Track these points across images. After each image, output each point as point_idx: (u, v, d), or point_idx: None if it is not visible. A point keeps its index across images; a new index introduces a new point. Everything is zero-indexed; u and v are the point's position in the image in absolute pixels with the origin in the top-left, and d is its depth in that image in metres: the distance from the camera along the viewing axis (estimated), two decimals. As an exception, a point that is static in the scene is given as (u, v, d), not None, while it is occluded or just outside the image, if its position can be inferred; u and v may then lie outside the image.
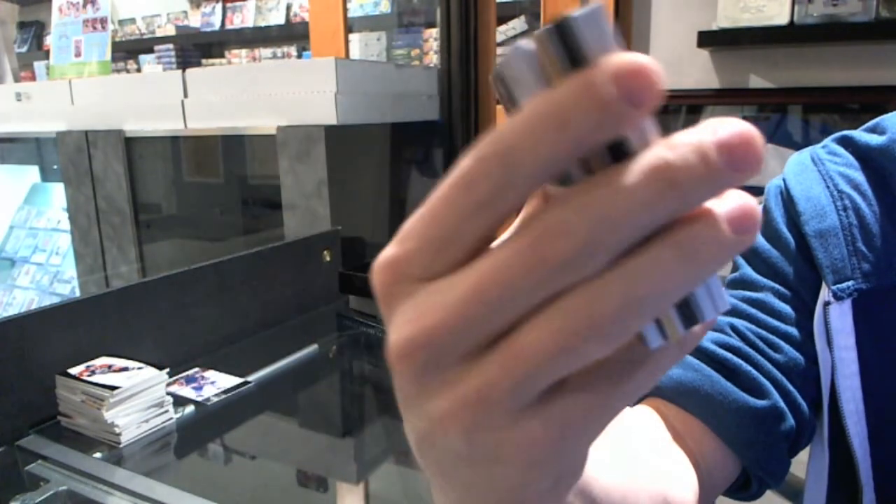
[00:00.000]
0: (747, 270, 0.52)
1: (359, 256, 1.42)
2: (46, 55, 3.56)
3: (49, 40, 3.91)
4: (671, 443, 0.44)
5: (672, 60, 1.71)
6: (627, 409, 0.26)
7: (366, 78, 1.43)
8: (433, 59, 2.88)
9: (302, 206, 1.36)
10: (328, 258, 1.30)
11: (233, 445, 0.83)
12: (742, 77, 1.65)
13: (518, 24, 2.62)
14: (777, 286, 0.50)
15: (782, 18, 1.47)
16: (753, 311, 0.49)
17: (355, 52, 2.95)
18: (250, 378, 0.96)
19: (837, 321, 0.44)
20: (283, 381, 0.99)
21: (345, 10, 1.84)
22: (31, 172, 2.17)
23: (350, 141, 1.38)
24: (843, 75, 1.54)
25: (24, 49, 4.16)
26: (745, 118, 1.64)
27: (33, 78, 4.06)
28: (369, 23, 3.07)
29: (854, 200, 0.47)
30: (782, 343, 0.47)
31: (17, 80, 2.95)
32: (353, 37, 2.96)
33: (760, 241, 0.52)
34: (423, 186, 1.70)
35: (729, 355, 0.46)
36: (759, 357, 0.47)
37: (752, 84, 1.64)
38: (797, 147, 1.58)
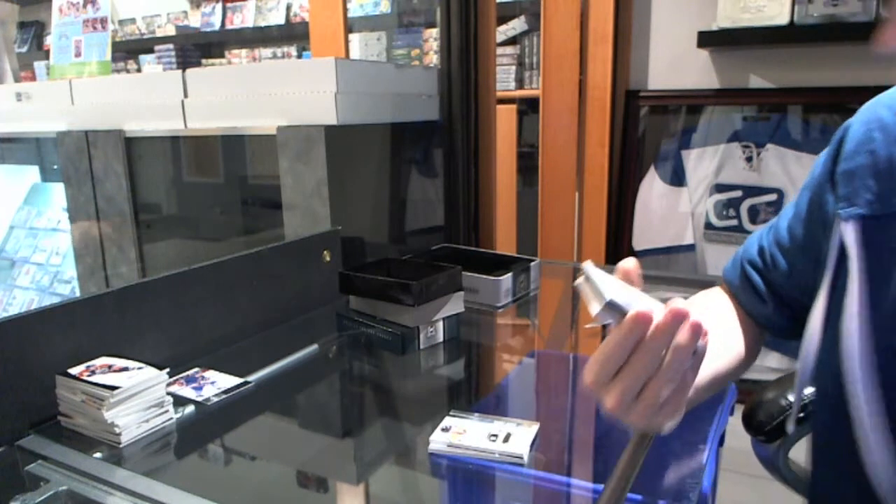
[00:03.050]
0: (802, 196, 0.70)
1: (359, 256, 1.41)
2: (46, 55, 3.57)
3: (49, 40, 3.91)
4: (736, 319, 0.74)
5: (672, 60, 1.71)
6: (717, 292, 0.80)
7: (366, 78, 1.43)
8: (433, 59, 2.88)
9: (302, 206, 1.36)
10: (328, 258, 1.30)
11: (233, 445, 0.83)
12: (742, 77, 1.65)
13: (518, 24, 2.62)
14: (807, 214, 0.68)
15: (782, 18, 1.48)
16: (782, 231, 0.72)
17: (355, 52, 2.95)
18: (250, 378, 0.96)
19: (848, 236, 0.58)
20: (283, 381, 0.99)
21: (345, 10, 1.84)
22: (31, 172, 2.17)
23: (350, 141, 1.38)
24: (843, 75, 1.54)
25: (24, 49, 4.16)
26: (745, 118, 1.64)
27: (33, 78, 4.06)
28: (369, 23, 3.07)
29: (875, 144, 0.58)
30: (781, 259, 0.71)
31: (17, 80, 2.95)
32: (353, 37, 2.96)
33: (815, 173, 0.67)
34: (423, 186, 1.70)
35: (751, 270, 0.75)
36: (764, 270, 0.74)
37: (752, 84, 1.64)
38: (797, 147, 1.58)
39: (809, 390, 0.92)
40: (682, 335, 0.47)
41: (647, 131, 1.75)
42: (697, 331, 0.47)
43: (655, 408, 0.48)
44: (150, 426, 0.81)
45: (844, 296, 0.58)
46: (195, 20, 3.70)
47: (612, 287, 0.47)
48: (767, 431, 0.94)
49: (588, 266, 0.48)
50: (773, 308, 0.73)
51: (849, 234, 0.58)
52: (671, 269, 1.73)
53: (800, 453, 0.91)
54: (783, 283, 0.72)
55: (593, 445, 0.82)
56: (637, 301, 0.47)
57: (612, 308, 0.46)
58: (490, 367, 1.13)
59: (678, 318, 0.46)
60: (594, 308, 0.47)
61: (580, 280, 0.48)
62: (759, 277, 0.74)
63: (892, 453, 0.55)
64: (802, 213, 0.69)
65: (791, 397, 0.93)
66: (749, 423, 0.97)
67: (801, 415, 0.89)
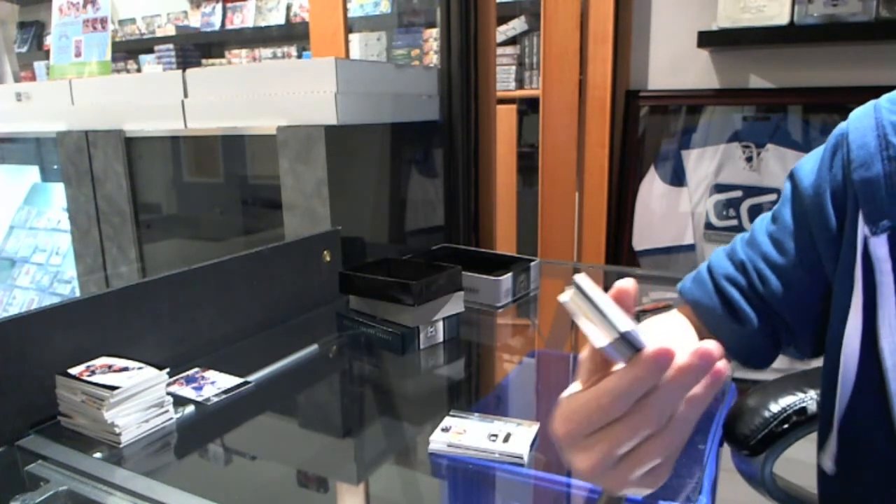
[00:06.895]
0: (784, 208, 0.63)
1: (359, 256, 1.41)
2: (46, 55, 3.56)
3: (49, 40, 3.91)
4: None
5: (672, 60, 1.71)
6: (677, 317, 0.64)
7: (366, 78, 1.43)
8: (433, 59, 2.88)
9: (302, 206, 1.36)
10: (328, 258, 1.30)
11: (233, 445, 0.83)
12: (742, 77, 1.65)
13: (518, 24, 2.62)
14: (796, 227, 0.62)
15: (782, 18, 1.48)
16: (768, 246, 0.63)
17: (355, 52, 2.95)
18: (250, 378, 0.96)
19: (877, 251, 0.53)
20: (283, 381, 0.99)
21: (345, 10, 1.84)
22: (31, 172, 2.17)
23: (350, 141, 1.38)
24: (843, 75, 1.54)
25: (24, 49, 4.16)
26: (745, 118, 1.64)
27: (33, 78, 4.06)
28: (369, 23, 3.07)
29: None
30: (771, 276, 0.62)
31: (17, 80, 2.95)
32: (353, 37, 2.96)
33: (807, 181, 0.61)
34: (423, 186, 1.70)
35: (729, 287, 0.64)
36: (748, 288, 0.64)
37: (752, 84, 1.64)
38: (797, 147, 1.58)
39: (789, 400, 0.88)
40: (706, 382, 0.37)
41: (647, 131, 1.75)
42: (720, 379, 0.37)
43: (644, 470, 0.38)
44: (150, 426, 0.81)
45: (875, 314, 0.53)
46: (195, 20, 3.70)
47: (619, 315, 0.36)
48: (752, 445, 0.85)
49: (582, 281, 0.37)
50: (752, 330, 0.63)
51: (880, 247, 0.52)
52: (671, 269, 1.73)
53: (785, 467, 0.89)
54: (775, 301, 0.63)
55: (593, 445, 0.82)
56: (645, 333, 0.37)
57: (625, 343, 0.36)
58: (490, 367, 1.13)
59: (706, 360, 0.36)
60: (600, 341, 0.36)
61: (568, 296, 0.37)
62: (740, 295, 0.64)
63: None
64: (790, 228, 0.62)
65: (774, 408, 0.85)
66: (730, 435, 0.88)
67: (786, 426, 0.85)
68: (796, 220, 0.62)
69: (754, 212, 1.63)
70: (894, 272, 0.52)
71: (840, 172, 0.58)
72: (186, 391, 0.91)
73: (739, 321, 0.63)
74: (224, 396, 0.90)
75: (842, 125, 0.60)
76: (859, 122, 0.58)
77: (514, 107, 2.23)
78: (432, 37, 2.92)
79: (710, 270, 0.67)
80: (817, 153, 0.62)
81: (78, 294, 1.80)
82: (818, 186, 0.60)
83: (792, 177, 0.63)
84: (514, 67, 2.59)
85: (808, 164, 0.62)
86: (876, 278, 0.53)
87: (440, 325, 1.10)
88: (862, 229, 0.54)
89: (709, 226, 1.69)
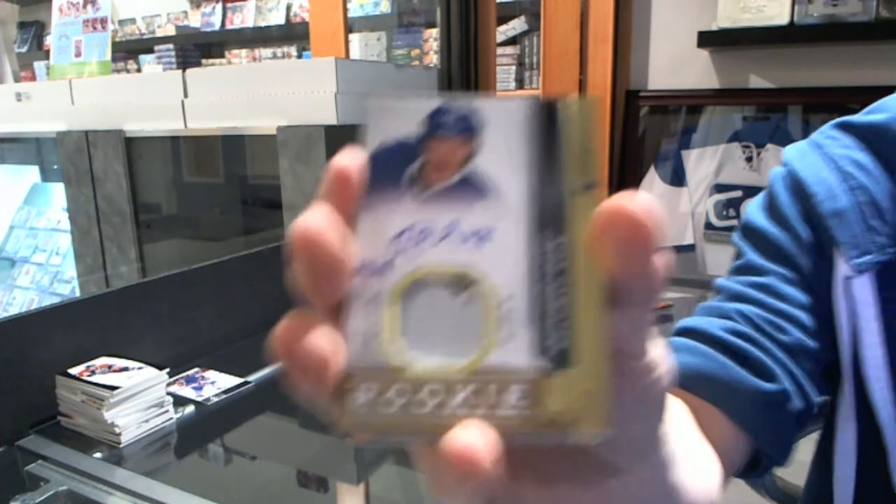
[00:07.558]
0: (752, 256, 0.52)
1: (359, 256, 1.42)
2: (46, 55, 3.56)
3: (49, 40, 3.91)
4: (701, 438, 0.42)
5: (672, 60, 1.71)
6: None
7: (366, 78, 1.43)
8: (433, 59, 2.88)
9: (302, 206, 1.36)
10: (328, 258, 1.30)
11: (233, 445, 0.83)
12: (742, 77, 1.65)
13: (518, 24, 2.62)
14: (782, 270, 0.51)
15: (782, 18, 1.47)
16: (760, 295, 0.50)
17: (355, 52, 2.95)
18: (250, 378, 0.96)
19: (861, 293, 0.46)
20: (283, 381, 0.99)
21: (345, 10, 1.84)
22: (31, 172, 2.17)
23: (350, 141, 1.37)
24: (843, 75, 1.54)
25: (24, 49, 4.16)
26: (745, 118, 1.64)
27: (33, 78, 4.06)
28: (369, 23, 3.07)
29: (860, 180, 0.48)
30: (788, 325, 0.48)
31: (17, 80, 2.95)
32: (353, 37, 2.96)
33: (768, 225, 0.52)
34: (423, 186, 1.70)
35: (739, 341, 0.47)
36: (766, 341, 0.48)
37: (752, 84, 1.64)
38: (797, 147, 1.59)
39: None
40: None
41: (647, 131, 1.75)
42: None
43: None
44: (150, 426, 0.81)
45: (861, 366, 0.46)
46: (195, 20, 3.70)
47: None
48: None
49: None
50: (779, 393, 0.47)
51: (863, 288, 0.46)
52: (671, 269, 1.73)
53: (785, 466, 0.89)
54: (796, 352, 0.49)
55: (593, 445, 0.82)
56: None
57: None
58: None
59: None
60: None
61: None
62: (754, 347, 0.48)
63: None
64: (774, 269, 0.51)
65: None
66: None
67: None
68: (778, 260, 0.51)
69: (754, 212, 1.63)
70: (884, 315, 0.45)
71: (800, 207, 0.51)
72: (186, 391, 0.91)
73: (764, 377, 0.46)
74: (224, 396, 0.90)
75: (776, 170, 0.54)
76: (803, 160, 0.52)
77: (514, 107, 2.23)
78: (432, 37, 2.92)
79: (688, 332, 0.50)
80: (761, 200, 0.54)
81: (78, 294, 1.80)
82: (781, 219, 0.52)
83: (746, 227, 0.54)
84: (514, 67, 2.59)
85: (757, 212, 0.54)
86: (858, 325, 0.46)
87: (440, 325, 1.10)
88: (842, 270, 0.47)
89: (709, 226, 1.69)
